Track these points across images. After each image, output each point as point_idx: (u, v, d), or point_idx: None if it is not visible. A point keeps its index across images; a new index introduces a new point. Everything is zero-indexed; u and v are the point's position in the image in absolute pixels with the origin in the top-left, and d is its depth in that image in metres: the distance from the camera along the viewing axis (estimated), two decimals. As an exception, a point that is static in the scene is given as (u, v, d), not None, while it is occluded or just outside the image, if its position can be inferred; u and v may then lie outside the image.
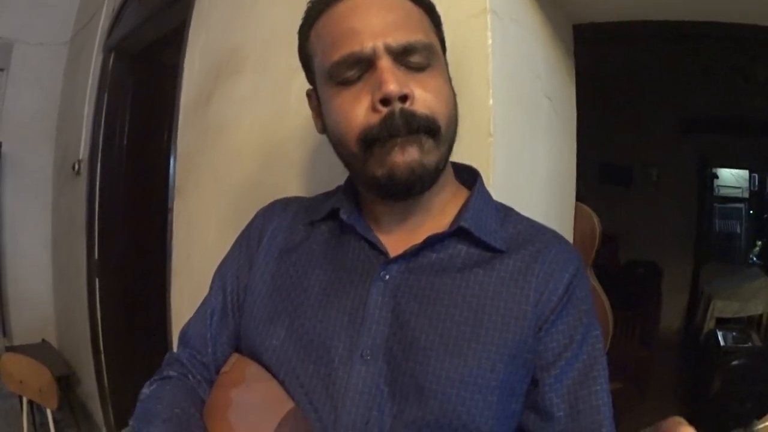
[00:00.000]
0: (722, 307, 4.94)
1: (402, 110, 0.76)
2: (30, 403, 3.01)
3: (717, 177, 6.47)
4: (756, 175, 6.87)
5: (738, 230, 6.97)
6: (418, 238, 0.84)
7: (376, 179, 0.80)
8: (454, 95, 0.86)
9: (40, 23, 4.07)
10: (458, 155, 1.10)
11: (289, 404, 0.81)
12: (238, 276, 0.97)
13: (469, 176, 0.95)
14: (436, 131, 0.79)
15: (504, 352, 0.78)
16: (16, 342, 4.07)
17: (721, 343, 4.27)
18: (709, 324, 4.89)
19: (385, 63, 0.77)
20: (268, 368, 0.86)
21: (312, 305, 0.86)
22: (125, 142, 3.32)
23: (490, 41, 1.11)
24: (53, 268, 4.19)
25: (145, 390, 0.90)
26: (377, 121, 0.77)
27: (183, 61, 2.08)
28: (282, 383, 0.83)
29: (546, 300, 0.81)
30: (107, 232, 3.21)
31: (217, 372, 0.94)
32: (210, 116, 1.90)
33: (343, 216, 0.89)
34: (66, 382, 3.51)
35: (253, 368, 0.88)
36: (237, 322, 0.95)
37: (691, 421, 0.65)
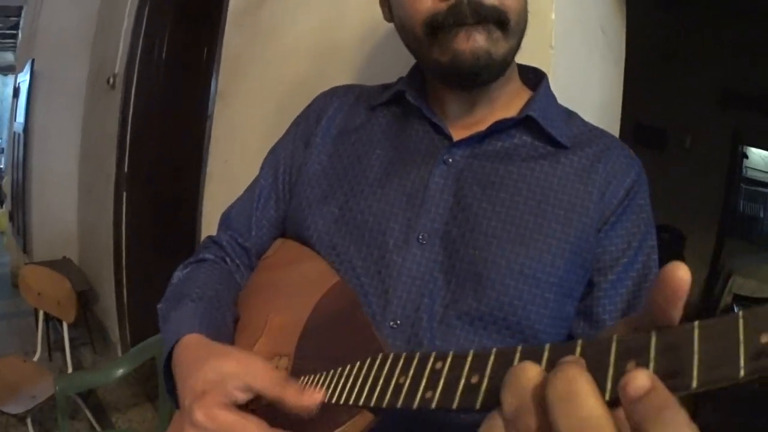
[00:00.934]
0: (741, 284, 4.94)
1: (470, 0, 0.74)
2: (45, 320, 3.04)
3: (747, 157, 6.39)
4: (788, 162, 6.71)
5: (761, 215, 6.89)
6: (483, 127, 0.83)
7: (440, 65, 0.79)
8: None
9: None
10: (522, 62, 1.11)
11: (335, 278, 0.78)
12: (293, 155, 0.95)
13: (534, 77, 0.93)
14: (506, 23, 0.77)
15: (565, 247, 0.77)
16: (37, 259, 4.14)
17: (734, 319, 4.26)
18: (726, 299, 4.89)
19: None
20: (317, 250, 0.83)
21: (370, 185, 0.84)
22: (164, 56, 3.32)
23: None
24: (79, 183, 4.25)
25: (178, 273, 0.89)
26: (444, 8, 0.75)
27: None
28: (331, 265, 0.81)
29: (608, 200, 0.80)
30: (138, 145, 3.23)
31: (258, 258, 0.94)
32: (262, 20, 1.90)
33: (410, 98, 0.87)
34: (84, 299, 3.54)
35: (298, 250, 0.86)
36: (286, 204, 0.93)
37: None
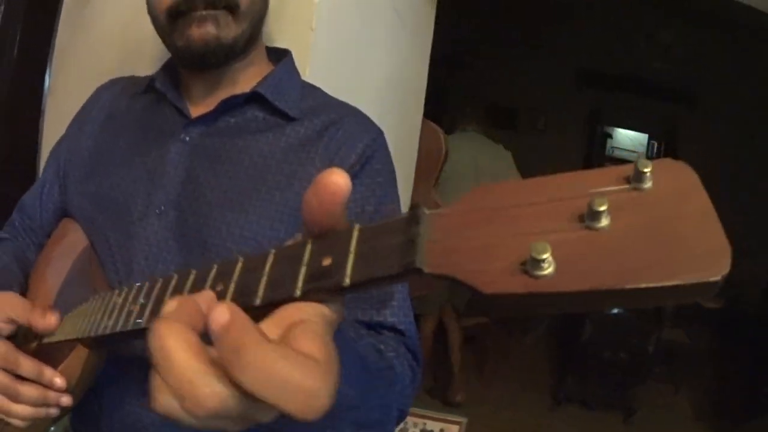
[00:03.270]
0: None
1: None
2: None
3: (611, 137, 6.75)
4: (654, 143, 6.77)
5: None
6: None
7: (177, 50, 0.90)
8: None
9: None
10: (280, 42, 1.24)
11: (84, 244, 0.91)
12: (69, 144, 1.06)
13: (282, 57, 1.04)
14: (235, 8, 0.87)
15: (284, 210, 0.85)
16: None
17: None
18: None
19: None
20: (81, 225, 0.94)
21: (120, 164, 0.94)
22: (15, 54, 3.28)
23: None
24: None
25: None
26: None
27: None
28: (90, 237, 0.92)
29: (335, 165, 0.87)
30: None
31: (47, 237, 1.04)
32: (86, 15, 1.98)
33: (157, 85, 0.98)
34: None
35: (69, 225, 0.98)
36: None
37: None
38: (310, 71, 1.24)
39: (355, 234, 0.38)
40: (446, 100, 4.68)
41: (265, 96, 0.92)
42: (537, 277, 0.32)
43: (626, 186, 0.34)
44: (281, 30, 1.27)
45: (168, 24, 0.89)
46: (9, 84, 3.26)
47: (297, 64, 1.08)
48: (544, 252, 0.31)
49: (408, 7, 1.67)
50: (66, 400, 0.71)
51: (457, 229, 0.36)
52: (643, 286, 0.30)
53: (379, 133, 0.94)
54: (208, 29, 0.86)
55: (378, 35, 1.54)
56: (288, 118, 0.92)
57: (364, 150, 0.89)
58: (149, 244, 0.87)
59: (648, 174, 0.33)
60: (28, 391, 0.69)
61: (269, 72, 0.97)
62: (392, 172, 0.94)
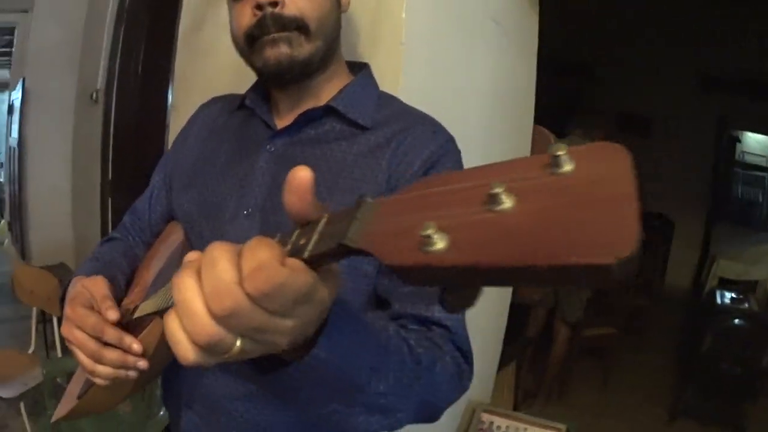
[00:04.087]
0: (725, 267, 5.03)
1: (272, 13, 0.92)
2: (42, 320, 3.32)
3: (739, 141, 6.45)
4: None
5: (760, 199, 6.90)
6: None
7: (258, 70, 1.00)
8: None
9: None
10: (375, 58, 1.30)
11: (180, 239, 1.04)
12: (175, 155, 1.18)
13: (359, 70, 1.10)
14: (306, 28, 0.94)
15: None
16: (35, 265, 4.42)
17: (718, 302, 4.34)
18: (712, 283, 5.00)
19: None
20: (183, 225, 1.07)
21: (216, 173, 1.05)
22: (140, 72, 3.57)
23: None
24: (72, 193, 4.52)
25: (96, 247, 1.15)
26: (254, 23, 0.94)
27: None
28: (188, 235, 1.04)
29: (401, 171, 0.93)
30: (120, 154, 3.52)
31: (156, 236, 1.17)
32: (202, 40, 2.13)
33: (247, 102, 1.08)
34: None
35: (173, 226, 1.11)
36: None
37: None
38: (402, 85, 1.29)
39: (323, 220, 0.48)
40: (575, 107, 4.62)
41: (338, 109, 0.99)
42: (427, 252, 0.35)
43: (545, 171, 0.35)
44: (373, 46, 1.34)
45: (247, 47, 0.98)
46: (138, 99, 3.55)
47: (389, 78, 1.12)
48: (428, 229, 0.35)
49: (508, 16, 1.68)
50: (142, 363, 0.82)
51: (388, 214, 0.41)
52: (530, 264, 0.31)
53: (448, 140, 0.99)
54: (281, 50, 0.94)
55: (478, 46, 1.57)
56: (361, 128, 0.98)
57: (429, 156, 0.94)
58: (237, 241, 0.95)
59: (563, 158, 0.34)
60: (110, 354, 0.81)
61: (345, 85, 1.04)
62: None
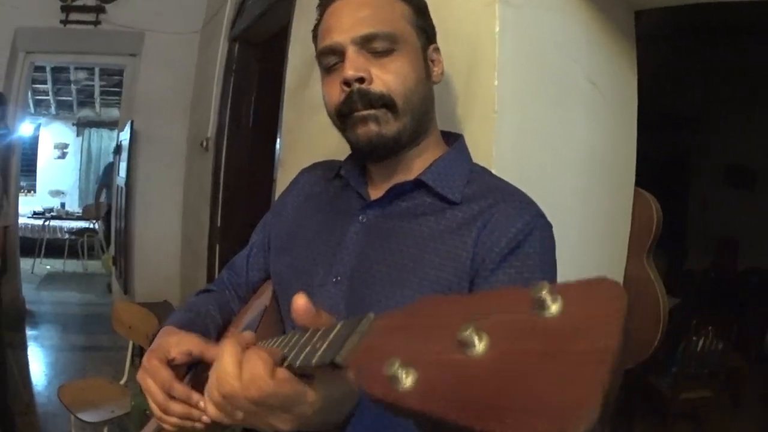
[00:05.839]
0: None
1: (359, 90, 0.97)
2: (139, 353, 3.50)
3: None
4: None
5: None
6: None
7: (351, 144, 1.05)
8: (425, 73, 1.05)
9: (169, 14, 4.85)
10: (468, 126, 1.35)
11: (267, 302, 1.11)
12: (274, 218, 1.26)
13: (453, 141, 1.13)
14: (393, 105, 0.98)
15: (437, 288, 0.93)
16: (137, 301, 4.71)
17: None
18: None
19: (349, 52, 0.98)
20: (275, 287, 1.14)
21: (309, 239, 1.11)
22: (250, 123, 3.79)
23: (497, 28, 1.34)
24: (182, 235, 4.81)
25: (189, 298, 1.23)
26: (343, 99, 0.99)
27: (287, 50, 2.48)
28: (278, 296, 1.11)
29: (487, 249, 0.93)
30: (229, 202, 3.71)
31: (252, 293, 1.24)
32: (307, 98, 2.28)
33: (342, 172, 1.14)
34: None
35: (268, 286, 1.19)
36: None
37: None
38: (495, 153, 1.32)
39: (337, 327, 0.52)
40: (684, 161, 4.54)
41: (427, 183, 1.02)
42: (394, 390, 0.35)
43: (531, 309, 0.33)
44: (466, 114, 1.39)
45: (339, 122, 1.03)
46: (247, 150, 3.77)
47: (482, 147, 1.15)
48: (393, 366, 0.36)
49: (604, 76, 1.69)
50: (206, 418, 0.86)
51: (381, 334, 0.43)
52: (478, 428, 0.30)
53: (536, 215, 0.98)
54: (370, 128, 0.99)
55: (574, 110, 1.58)
56: (450, 203, 1.00)
57: (516, 234, 0.93)
58: (324, 307, 1.04)
59: (545, 301, 0.33)
60: (176, 407, 0.88)
61: (436, 159, 1.06)
62: (546, 254, 0.97)
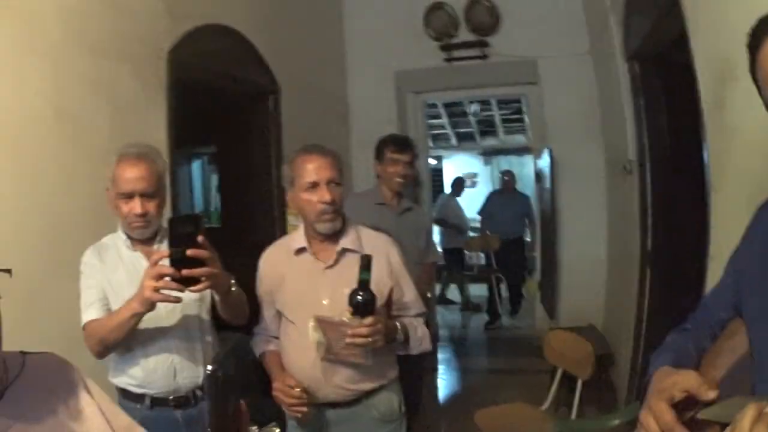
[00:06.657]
0: None
1: None
2: (563, 378, 3.52)
3: None
4: None
5: None
6: None
7: None
8: None
9: (554, 38, 5.00)
10: None
11: (744, 349, 1.09)
12: (741, 257, 1.22)
13: None
14: None
15: None
16: (563, 324, 4.89)
17: None
18: None
19: None
20: (747, 329, 1.12)
21: None
22: (672, 144, 3.61)
23: None
24: (608, 259, 4.80)
25: (668, 336, 1.29)
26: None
27: (694, 68, 2.38)
28: (751, 340, 1.09)
29: None
30: (659, 226, 3.58)
31: (720, 329, 1.22)
32: (726, 117, 2.12)
33: None
34: (602, 361, 3.95)
35: (740, 326, 1.15)
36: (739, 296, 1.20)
37: None
38: None
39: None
40: None
41: None
42: None
43: None
44: None
45: None
46: (672, 171, 3.54)
47: None
48: None
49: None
50: None
51: None
52: None
53: None
54: None
55: None
56: None
57: None
58: None
59: None
60: None
61: None
62: None
